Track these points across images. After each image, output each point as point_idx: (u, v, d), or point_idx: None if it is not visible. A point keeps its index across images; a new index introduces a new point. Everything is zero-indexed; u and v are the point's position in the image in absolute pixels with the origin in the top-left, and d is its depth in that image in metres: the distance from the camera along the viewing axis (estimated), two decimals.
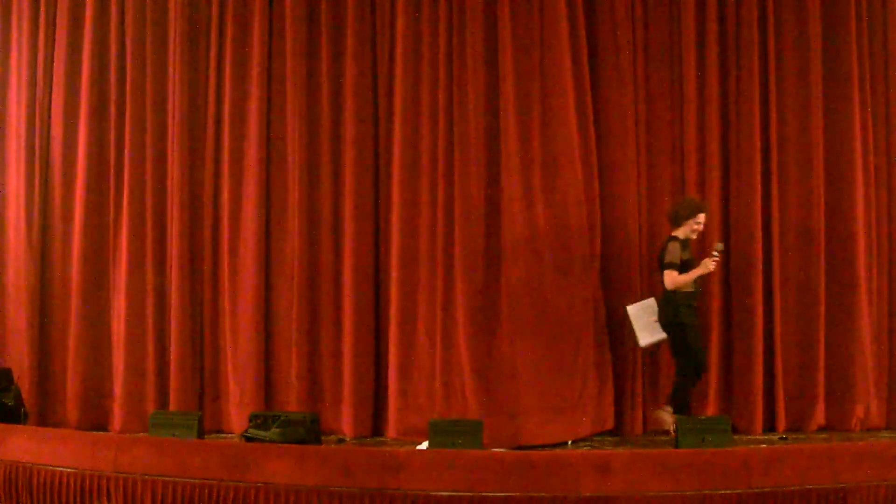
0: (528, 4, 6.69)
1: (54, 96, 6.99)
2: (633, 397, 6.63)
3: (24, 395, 6.40)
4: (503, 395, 6.53)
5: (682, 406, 6.07)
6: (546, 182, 6.63)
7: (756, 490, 4.30)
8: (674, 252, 6.01)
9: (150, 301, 6.83)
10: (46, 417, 6.78)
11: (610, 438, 6.51)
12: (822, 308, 6.59)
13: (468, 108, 6.77)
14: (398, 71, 6.81)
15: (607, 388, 6.52)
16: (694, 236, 6.10)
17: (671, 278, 5.99)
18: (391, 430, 6.65)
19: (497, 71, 6.72)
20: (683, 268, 5.99)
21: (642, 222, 6.77)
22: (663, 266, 6.04)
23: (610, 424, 6.46)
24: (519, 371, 6.50)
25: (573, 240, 6.58)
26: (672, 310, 6.06)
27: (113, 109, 7.00)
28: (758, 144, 6.72)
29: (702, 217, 6.08)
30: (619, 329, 6.62)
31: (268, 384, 6.81)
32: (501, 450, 5.83)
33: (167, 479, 4.55)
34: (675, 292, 6.03)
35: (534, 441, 6.27)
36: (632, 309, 6.25)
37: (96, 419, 6.84)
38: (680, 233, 6.10)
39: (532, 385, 6.47)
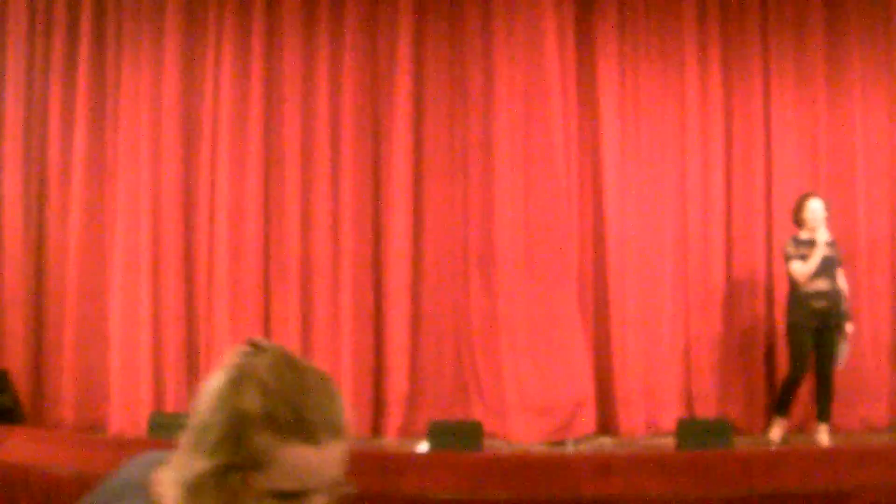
0: (523, 6, 6.70)
1: (51, 97, 6.96)
2: (634, 399, 6.63)
3: (21, 397, 6.38)
4: (501, 394, 6.54)
5: (779, 404, 6.04)
6: (540, 184, 6.63)
7: (756, 491, 4.28)
8: (786, 248, 5.97)
9: (146, 302, 6.80)
10: (43, 419, 6.74)
11: (610, 440, 6.51)
12: None
13: (468, 110, 6.79)
14: (399, 72, 6.81)
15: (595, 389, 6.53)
16: (814, 225, 5.88)
17: (794, 269, 5.90)
18: (391, 432, 6.64)
19: (495, 72, 6.74)
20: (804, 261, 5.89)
21: (641, 223, 6.77)
22: (787, 264, 6.00)
23: (593, 427, 6.45)
24: (518, 372, 6.51)
25: (564, 242, 6.58)
26: (788, 307, 6.03)
27: (109, 110, 6.97)
28: (759, 144, 6.74)
29: (811, 203, 5.93)
30: (611, 332, 6.65)
31: None
32: (501, 442, 5.87)
33: None
34: (791, 291, 5.97)
35: (530, 439, 6.34)
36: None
37: (94, 421, 6.79)
38: (803, 231, 5.99)
39: (529, 386, 6.48)
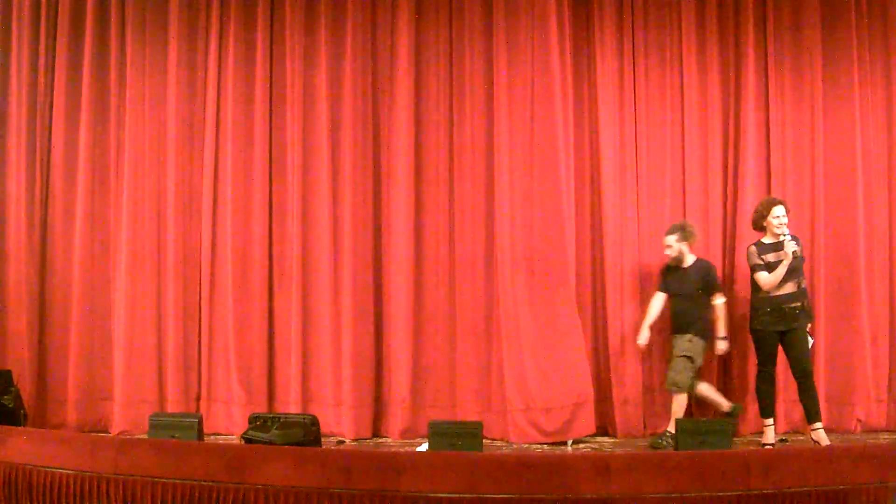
0: (523, 7, 6.72)
1: (55, 98, 6.98)
2: (633, 399, 6.65)
3: (24, 397, 6.40)
4: (501, 394, 6.56)
5: (760, 407, 6.13)
6: (540, 185, 6.64)
7: (755, 491, 4.29)
8: (751, 256, 6.05)
9: (149, 303, 6.84)
10: (46, 419, 6.78)
11: (609, 440, 6.52)
12: (822, 309, 6.61)
13: (468, 112, 6.81)
14: (399, 74, 6.83)
15: (594, 390, 6.56)
16: (779, 231, 5.96)
17: (762, 280, 5.97)
18: (391, 432, 6.66)
19: (493, 73, 6.75)
20: (769, 269, 5.94)
21: (640, 223, 6.78)
22: (752, 272, 6.07)
23: (592, 428, 6.49)
24: (518, 372, 6.51)
25: (563, 243, 6.60)
26: (751, 315, 6.11)
27: (113, 112, 7.00)
28: (758, 146, 6.76)
29: (777, 210, 5.99)
30: (610, 333, 6.66)
31: (268, 386, 6.82)
32: (501, 442, 5.85)
33: (167, 480, 4.54)
34: (754, 297, 6.05)
35: (530, 439, 6.39)
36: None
37: (96, 421, 6.84)
38: (766, 236, 6.06)
39: (529, 386, 6.49)
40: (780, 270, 5.89)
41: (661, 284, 6.43)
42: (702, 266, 6.32)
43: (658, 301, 6.40)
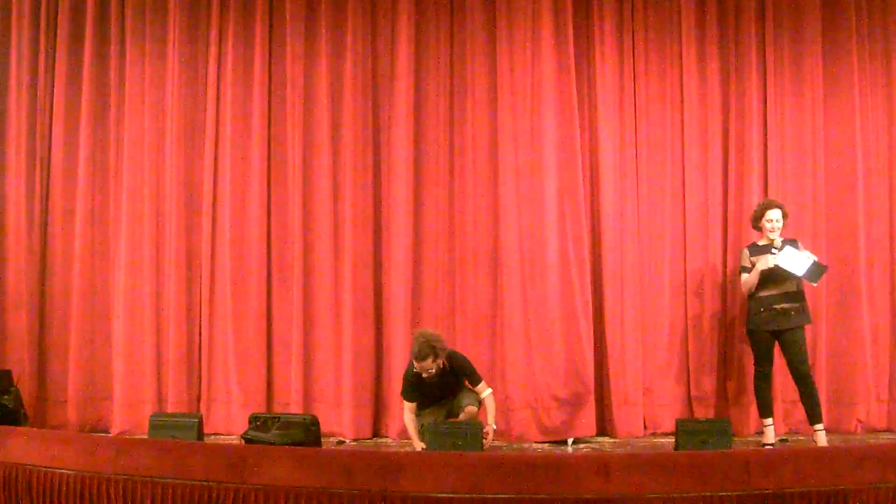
0: (524, 6, 6.72)
1: (55, 98, 6.99)
2: (633, 399, 6.64)
3: (24, 397, 6.41)
4: (501, 394, 6.55)
5: (759, 407, 6.12)
6: (541, 186, 6.63)
7: (756, 491, 4.29)
8: (742, 258, 6.09)
9: (149, 303, 6.84)
10: (46, 419, 6.78)
11: (609, 440, 6.53)
12: (822, 309, 6.61)
13: (469, 112, 6.81)
14: (399, 73, 6.83)
15: (598, 388, 6.57)
16: (773, 235, 5.94)
17: (741, 281, 6.02)
18: (391, 432, 6.66)
19: (496, 73, 6.75)
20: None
21: (639, 223, 6.78)
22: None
23: (594, 429, 6.48)
24: (518, 372, 6.52)
25: (565, 243, 6.59)
26: (746, 315, 6.11)
27: (113, 112, 7.00)
28: (757, 146, 6.75)
29: (772, 213, 5.97)
30: (610, 333, 6.65)
31: (268, 386, 6.82)
32: (501, 442, 5.86)
33: (167, 480, 4.55)
34: (748, 298, 6.04)
35: (530, 439, 6.42)
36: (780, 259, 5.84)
37: (96, 421, 6.84)
38: (762, 238, 6.06)
39: (529, 386, 6.49)
40: (754, 275, 5.91)
41: (411, 396, 5.76)
42: (456, 368, 5.73)
43: (412, 414, 5.79)
